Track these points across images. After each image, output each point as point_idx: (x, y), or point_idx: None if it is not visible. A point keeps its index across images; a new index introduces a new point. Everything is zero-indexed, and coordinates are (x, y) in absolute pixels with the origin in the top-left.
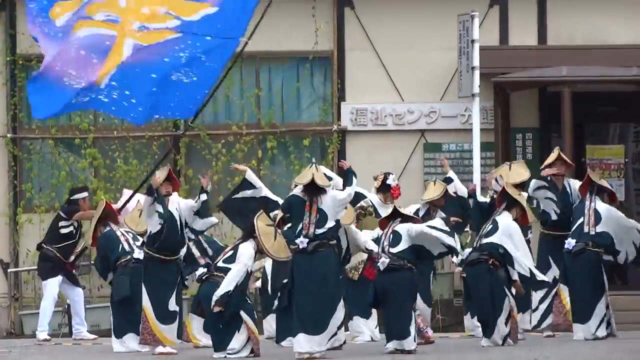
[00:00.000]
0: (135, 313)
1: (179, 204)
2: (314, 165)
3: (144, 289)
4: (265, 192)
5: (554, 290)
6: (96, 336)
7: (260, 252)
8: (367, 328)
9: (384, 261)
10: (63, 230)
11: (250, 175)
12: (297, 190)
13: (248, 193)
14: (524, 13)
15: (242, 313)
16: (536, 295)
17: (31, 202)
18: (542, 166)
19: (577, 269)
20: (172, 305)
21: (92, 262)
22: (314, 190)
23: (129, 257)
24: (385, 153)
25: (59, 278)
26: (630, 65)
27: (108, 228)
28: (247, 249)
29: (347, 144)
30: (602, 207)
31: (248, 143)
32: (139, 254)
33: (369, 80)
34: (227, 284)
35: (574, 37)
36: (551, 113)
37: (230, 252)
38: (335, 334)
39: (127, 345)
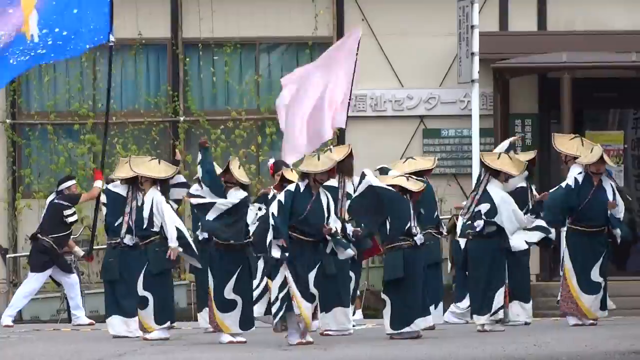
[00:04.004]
0: (122, 296)
1: None
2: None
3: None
4: None
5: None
6: (92, 321)
7: None
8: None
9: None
10: (70, 219)
11: None
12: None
13: None
14: None
15: None
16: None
17: (30, 187)
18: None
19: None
20: (230, 294)
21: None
22: None
23: (118, 240)
24: (385, 139)
25: (48, 272)
26: (630, 51)
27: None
28: None
29: (346, 130)
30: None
31: (247, 129)
32: (129, 240)
33: (368, 67)
34: None
35: (573, 23)
36: (550, 99)
37: None
38: None
39: (113, 327)
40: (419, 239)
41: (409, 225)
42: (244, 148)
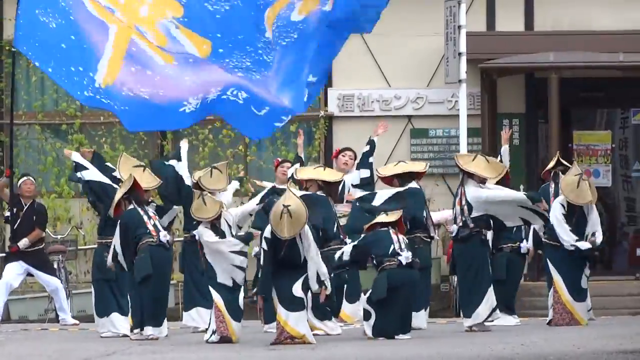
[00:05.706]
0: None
1: None
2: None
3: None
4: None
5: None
6: (77, 321)
7: None
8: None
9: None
10: None
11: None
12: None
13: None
14: None
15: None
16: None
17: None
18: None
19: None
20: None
21: (79, 247)
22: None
23: (151, 239)
24: None
25: (15, 266)
26: (617, 51)
27: (132, 206)
28: None
29: (334, 130)
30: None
31: (235, 129)
32: (164, 237)
33: (355, 66)
34: None
35: (560, 23)
36: (538, 99)
37: None
38: None
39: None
40: (404, 258)
41: (392, 248)
42: (232, 148)
